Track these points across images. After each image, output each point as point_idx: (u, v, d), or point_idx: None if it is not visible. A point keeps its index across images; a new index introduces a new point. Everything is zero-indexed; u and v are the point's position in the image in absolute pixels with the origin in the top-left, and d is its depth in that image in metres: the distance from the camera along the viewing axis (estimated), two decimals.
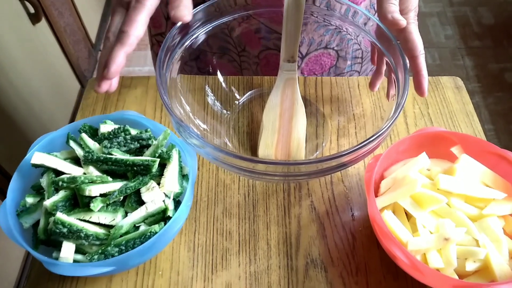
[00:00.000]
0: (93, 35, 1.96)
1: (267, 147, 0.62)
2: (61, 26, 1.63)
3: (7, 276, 1.31)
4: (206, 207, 0.58)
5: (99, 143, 0.52)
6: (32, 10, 1.42)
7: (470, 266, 0.47)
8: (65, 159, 0.51)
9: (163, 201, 0.49)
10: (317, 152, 0.63)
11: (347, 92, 0.69)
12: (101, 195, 0.47)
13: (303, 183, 0.61)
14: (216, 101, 0.66)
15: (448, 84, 0.73)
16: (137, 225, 0.48)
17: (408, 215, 0.52)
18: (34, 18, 1.44)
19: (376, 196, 0.53)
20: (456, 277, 0.47)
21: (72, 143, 0.52)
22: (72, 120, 1.68)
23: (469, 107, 0.69)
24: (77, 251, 0.47)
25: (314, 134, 0.65)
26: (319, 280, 0.52)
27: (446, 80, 0.74)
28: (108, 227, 0.47)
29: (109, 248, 0.45)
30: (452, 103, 0.70)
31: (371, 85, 0.63)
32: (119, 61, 0.44)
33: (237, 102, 0.68)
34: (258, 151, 0.62)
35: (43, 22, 1.50)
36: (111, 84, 0.47)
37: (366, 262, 0.54)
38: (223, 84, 0.69)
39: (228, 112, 0.67)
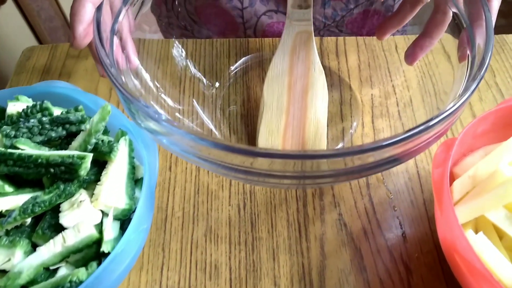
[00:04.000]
0: None
1: (271, 135, 0.42)
2: (34, 9, 1.44)
3: None
4: (181, 227, 0.38)
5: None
6: None
7: None
8: None
9: (99, 224, 0.29)
10: (344, 141, 0.44)
11: (381, 57, 0.49)
12: None
13: (325, 187, 0.41)
14: (196, 70, 0.47)
15: None
16: (53, 267, 0.28)
17: (499, 235, 0.32)
18: None
19: None
20: None
21: None
22: None
23: None
24: None
25: (338, 114, 0.45)
26: None
27: None
28: (2, 272, 0.28)
29: None
30: None
31: (409, 56, 0.41)
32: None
33: (227, 73, 0.49)
34: (258, 140, 0.42)
35: (10, 5, 1.31)
36: None
37: None
38: (206, 48, 0.49)
39: (213, 87, 0.47)
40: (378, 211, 0.39)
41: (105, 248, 0.27)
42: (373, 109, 0.45)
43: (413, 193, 0.40)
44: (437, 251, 0.37)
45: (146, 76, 0.37)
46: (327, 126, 0.42)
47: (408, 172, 0.42)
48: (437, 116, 0.28)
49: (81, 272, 0.26)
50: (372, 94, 0.46)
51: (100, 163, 0.32)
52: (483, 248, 0.29)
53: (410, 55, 0.40)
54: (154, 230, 0.38)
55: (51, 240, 0.27)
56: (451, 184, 0.35)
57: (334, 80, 0.48)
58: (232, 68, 0.49)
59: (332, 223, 0.39)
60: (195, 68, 0.46)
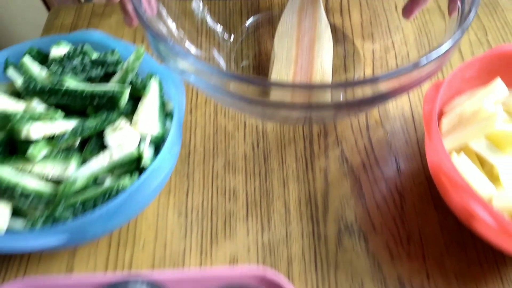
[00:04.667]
0: None
1: None
2: None
3: None
4: (202, 161, 0.44)
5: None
6: None
7: None
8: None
9: (137, 148, 0.34)
10: None
11: (382, 15, 0.53)
12: (47, 139, 0.33)
13: (329, 128, 0.46)
14: (213, 22, 0.51)
15: (509, 6, 0.57)
16: (100, 179, 0.33)
17: (481, 163, 0.37)
18: None
19: None
20: None
21: (11, 71, 0.37)
22: None
23: None
24: (18, 214, 0.33)
25: (342, 67, 0.50)
26: (357, 252, 0.38)
27: (507, 1, 0.58)
28: (59, 183, 0.33)
29: (58, 210, 0.31)
30: None
31: (407, 11, 0.46)
32: None
33: (239, 30, 0.53)
34: None
35: None
36: None
37: (420, 228, 0.39)
38: (220, 7, 0.53)
39: (228, 41, 0.52)
40: (376, 149, 0.44)
41: (145, 163, 0.33)
42: (373, 62, 0.50)
43: (408, 133, 0.45)
44: (428, 182, 0.42)
45: (172, 25, 0.42)
46: (332, 77, 0.47)
47: (404, 115, 0.47)
48: (426, 57, 0.32)
49: (126, 180, 0.32)
50: (373, 49, 0.51)
51: (135, 99, 0.37)
52: (465, 169, 0.34)
53: (408, 11, 0.45)
54: (179, 162, 0.43)
55: (101, 154, 0.32)
56: (440, 121, 0.40)
57: (339, 36, 0.52)
58: (245, 25, 0.53)
59: (335, 158, 0.44)
60: (212, 20, 0.51)
